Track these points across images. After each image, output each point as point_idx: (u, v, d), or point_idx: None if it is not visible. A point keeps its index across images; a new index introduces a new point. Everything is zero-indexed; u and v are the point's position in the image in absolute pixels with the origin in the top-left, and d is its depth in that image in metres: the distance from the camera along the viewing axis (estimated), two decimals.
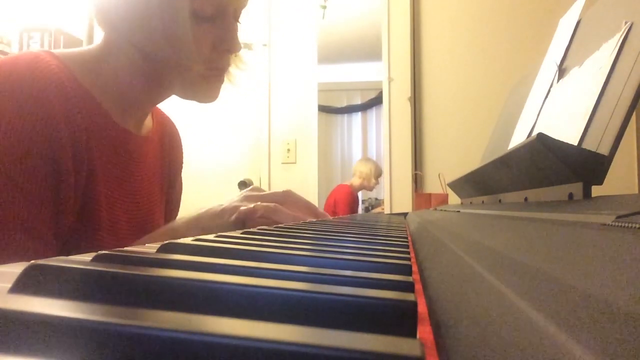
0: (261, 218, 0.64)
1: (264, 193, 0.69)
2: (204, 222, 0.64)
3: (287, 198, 0.69)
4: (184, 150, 0.89)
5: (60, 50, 0.64)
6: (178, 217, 0.85)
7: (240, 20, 0.69)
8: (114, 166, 0.65)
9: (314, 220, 0.70)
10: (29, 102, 0.53)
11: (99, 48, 0.65)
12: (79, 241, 0.59)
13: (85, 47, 0.67)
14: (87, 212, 0.60)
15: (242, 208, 0.64)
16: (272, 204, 0.65)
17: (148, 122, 0.76)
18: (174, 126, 0.86)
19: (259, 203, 0.65)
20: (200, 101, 0.69)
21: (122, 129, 0.67)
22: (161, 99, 0.71)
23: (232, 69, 0.75)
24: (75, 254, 0.61)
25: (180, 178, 0.88)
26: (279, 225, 0.58)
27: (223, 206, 0.65)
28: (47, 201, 0.54)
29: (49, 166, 0.54)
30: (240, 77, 0.78)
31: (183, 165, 0.89)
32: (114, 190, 0.65)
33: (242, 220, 0.63)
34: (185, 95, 0.69)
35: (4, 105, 0.53)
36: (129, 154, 0.68)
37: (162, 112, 0.84)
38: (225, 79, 0.75)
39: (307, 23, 2.69)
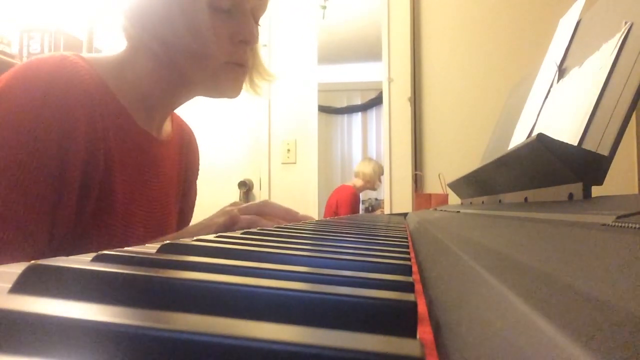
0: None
1: (242, 206, 0.69)
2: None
3: (265, 208, 0.69)
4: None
5: (89, 55, 0.66)
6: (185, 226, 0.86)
7: (260, 23, 0.70)
8: (132, 165, 0.67)
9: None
10: (49, 103, 0.55)
11: (123, 54, 0.68)
12: (92, 235, 0.60)
13: (110, 54, 0.69)
14: (103, 208, 0.61)
15: (220, 223, 0.63)
16: (251, 217, 0.65)
17: (167, 127, 0.78)
18: (193, 133, 0.87)
19: (235, 210, 0.64)
20: (222, 95, 0.70)
21: (143, 131, 0.68)
22: (182, 101, 0.73)
23: (258, 80, 0.77)
24: (86, 249, 0.61)
25: (195, 185, 0.89)
26: (279, 225, 0.58)
27: (203, 224, 0.65)
28: (46, 202, 0.54)
29: (55, 168, 0.55)
30: (265, 88, 0.79)
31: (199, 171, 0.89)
32: (132, 188, 0.66)
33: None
34: (207, 90, 0.70)
35: (24, 103, 0.54)
36: (149, 155, 0.70)
37: (181, 119, 0.85)
38: (251, 89, 0.76)
39: (307, 23, 2.69)
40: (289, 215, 0.71)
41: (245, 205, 0.69)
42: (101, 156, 0.60)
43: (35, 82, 0.55)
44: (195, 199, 0.90)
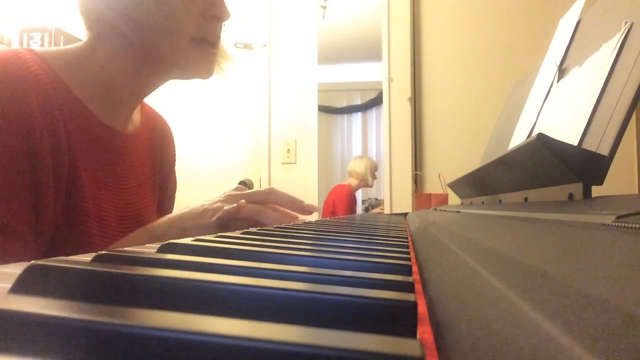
0: (244, 220, 0.62)
1: (245, 192, 0.67)
2: (184, 222, 0.63)
3: (270, 196, 0.67)
4: (184, 150, 0.88)
5: (44, 49, 0.64)
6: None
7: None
8: (97, 162, 0.65)
9: (301, 214, 0.69)
10: (5, 99, 0.53)
11: (83, 45, 0.65)
12: (68, 236, 0.59)
13: (69, 46, 0.66)
14: (74, 207, 0.59)
15: (226, 208, 0.62)
16: (256, 205, 0.63)
17: (136, 119, 0.76)
18: (165, 122, 0.85)
19: (242, 201, 0.63)
20: (194, 75, 0.69)
21: (105, 125, 0.66)
22: (151, 87, 0.71)
23: (221, 62, 0.75)
24: (66, 248, 0.59)
25: (174, 174, 0.88)
26: (279, 225, 0.58)
27: (205, 206, 0.64)
28: (24, 199, 0.53)
29: (26, 163, 0.53)
30: (229, 70, 0.77)
31: (176, 161, 0.88)
32: (100, 185, 0.65)
33: (224, 220, 0.62)
34: (179, 70, 0.68)
35: None
36: (113, 150, 0.68)
37: (152, 109, 0.83)
38: (215, 71, 0.74)
39: (307, 23, 2.69)
40: (294, 204, 0.69)
41: (250, 192, 0.68)
42: (65, 151, 0.58)
43: None
44: (175, 188, 0.88)
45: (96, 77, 0.65)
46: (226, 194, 0.67)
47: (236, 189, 0.69)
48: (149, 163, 0.78)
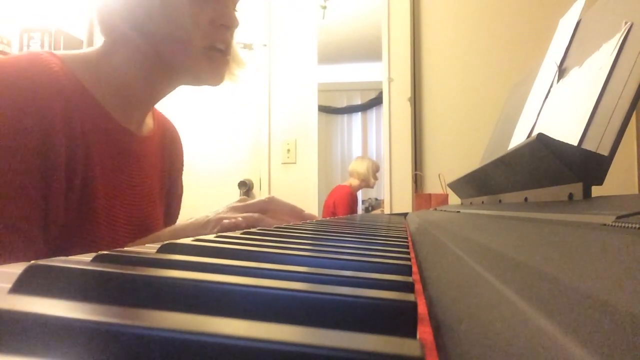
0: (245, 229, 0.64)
1: (248, 203, 0.69)
2: (188, 233, 0.64)
3: (270, 205, 0.69)
4: (184, 150, 0.89)
5: (63, 52, 0.65)
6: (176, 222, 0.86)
7: (237, 8, 0.70)
8: (112, 163, 0.66)
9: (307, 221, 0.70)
10: (25, 100, 0.54)
11: (100, 49, 0.67)
12: (77, 236, 0.59)
13: (86, 49, 0.68)
14: (85, 207, 0.60)
15: (225, 221, 0.63)
16: (255, 214, 0.65)
17: (149, 123, 0.77)
18: (175, 129, 0.87)
19: (240, 218, 0.64)
20: (205, 82, 0.70)
21: (122, 127, 0.68)
22: (163, 93, 0.72)
23: (234, 67, 0.76)
24: (74, 250, 0.61)
25: (181, 180, 0.89)
26: (279, 225, 0.58)
27: (208, 217, 0.65)
28: (36, 199, 0.54)
29: (39, 164, 0.54)
30: (241, 76, 0.78)
31: (184, 167, 0.89)
32: (113, 186, 0.66)
33: (225, 232, 0.63)
34: (190, 78, 0.69)
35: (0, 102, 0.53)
36: (128, 152, 0.69)
37: (163, 115, 0.85)
38: (227, 76, 0.75)
39: (307, 23, 2.69)
40: (294, 213, 0.71)
41: (251, 202, 0.69)
42: (81, 152, 0.59)
43: (6, 82, 0.54)
44: (181, 194, 0.89)
45: (112, 80, 0.66)
46: (230, 205, 0.69)
47: (239, 201, 0.71)
48: (159, 167, 0.79)
